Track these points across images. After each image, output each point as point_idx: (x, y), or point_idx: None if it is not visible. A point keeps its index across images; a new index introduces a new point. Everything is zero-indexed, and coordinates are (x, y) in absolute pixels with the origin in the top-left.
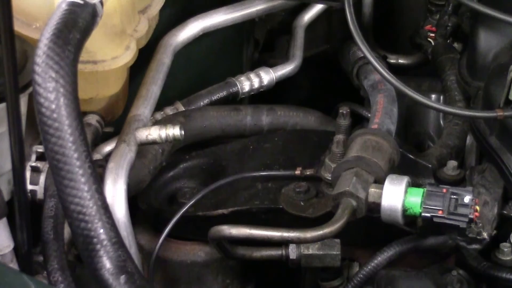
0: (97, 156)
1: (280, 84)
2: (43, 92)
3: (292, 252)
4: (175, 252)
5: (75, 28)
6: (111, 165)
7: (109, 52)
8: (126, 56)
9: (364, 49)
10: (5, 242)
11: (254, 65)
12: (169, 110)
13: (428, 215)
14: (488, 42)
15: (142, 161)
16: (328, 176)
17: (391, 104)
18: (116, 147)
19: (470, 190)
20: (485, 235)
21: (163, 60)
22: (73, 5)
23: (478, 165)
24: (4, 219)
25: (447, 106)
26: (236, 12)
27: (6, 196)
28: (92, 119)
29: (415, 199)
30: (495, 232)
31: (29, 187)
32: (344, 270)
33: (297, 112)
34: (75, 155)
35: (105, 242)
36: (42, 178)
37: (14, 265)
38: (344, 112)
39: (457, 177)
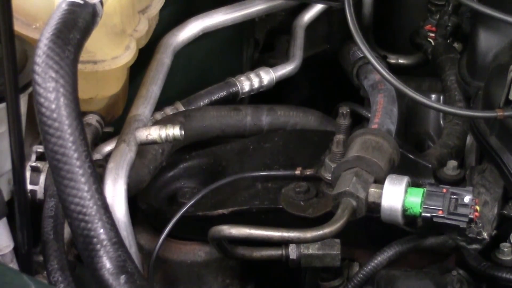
0: (97, 156)
1: (280, 84)
2: (43, 92)
3: (292, 252)
4: (175, 252)
5: (75, 28)
6: (111, 165)
7: (109, 52)
8: (126, 56)
9: (364, 49)
10: (5, 242)
11: (254, 65)
12: (169, 110)
13: (428, 215)
14: (488, 42)
15: (142, 161)
16: (328, 176)
17: (391, 104)
18: (116, 147)
19: (470, 190)
20: (485, 235)
21: (163, 60)
22: (73, 5)
23: (478, 165)
24: (4, 219)
25: (447, 106)
26: (236, 12)
27: (6, 196)
28: (92, 119)
29: (415, 199)
30: (495, 232)
31: (29, 187)
32: (344, 270)
33: (297, 112)
34: (75, 155)
35: (105, 242)
36: (42, 178)
37: (14, 265)
38: (344, 112)
39: (457, 177)
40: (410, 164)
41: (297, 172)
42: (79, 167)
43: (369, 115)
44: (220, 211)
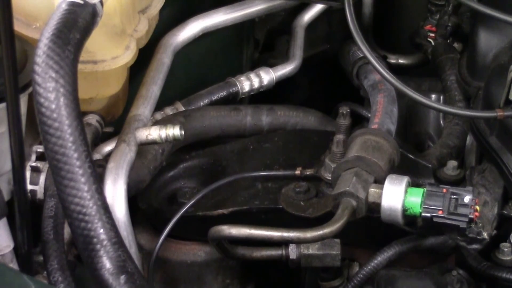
0: (97, 156)
1: (280, 84)
2: (43, 92)
3: (292, 252)
4: (175, 252)
5: (75, 28)
6: (111, 165)
7: (109, 52)
8: (126, 56)
9: (364, 49)
10: (5, 242)
11: (254, 65)
12: (169, 110)
13: (428, 215)
14: (488, 42)
15: (142, 161)
16: (328, 176)
17: (391, 104)
18: (116, 147)
19: (470, 190)
20: (485, 235)
21: (163, 60)
22: (73, 5)
23: (478, 165)
24: (4, 219)
25: (447, 106)
26: (236, 12)
27: (6, 196)
28: (92, 119)
29: (415, 199)
30: (495, 232)
31: (29, 187)
32: (344, 270)
33: (297, 112)
34: (75, 155)
35: (105, 242)
36: (42, 178)
37: (14, 265)
38: (344, 112)
39: (457, 177)
40: (410, 164)
41: (297, 172)
42: (79, 167)
43: (369, 115)
44: (220, 211)
